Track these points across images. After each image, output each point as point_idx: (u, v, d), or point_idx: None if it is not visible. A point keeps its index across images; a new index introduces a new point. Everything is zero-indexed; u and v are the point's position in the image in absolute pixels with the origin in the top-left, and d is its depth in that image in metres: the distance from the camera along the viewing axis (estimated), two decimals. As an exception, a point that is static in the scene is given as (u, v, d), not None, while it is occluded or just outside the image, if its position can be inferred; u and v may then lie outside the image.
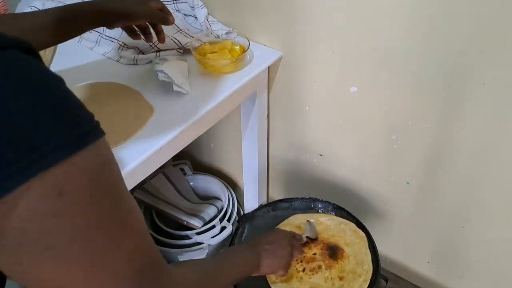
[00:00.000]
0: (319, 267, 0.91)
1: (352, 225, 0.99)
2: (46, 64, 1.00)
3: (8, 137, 0.31)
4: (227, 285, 0.70)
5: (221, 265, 0.69)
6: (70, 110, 0.34)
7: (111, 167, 0.38)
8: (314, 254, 0.93)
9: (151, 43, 1.00)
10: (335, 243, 0.95)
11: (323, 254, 0.93)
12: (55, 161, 0.32)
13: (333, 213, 1.05)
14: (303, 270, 0.91)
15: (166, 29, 1.04)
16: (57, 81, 0.35)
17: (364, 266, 0.93)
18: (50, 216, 0.33)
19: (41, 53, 1.00)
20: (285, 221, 1.03)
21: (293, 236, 0.91)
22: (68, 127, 0.33)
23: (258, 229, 1.02)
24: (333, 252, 0.93)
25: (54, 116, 0.33)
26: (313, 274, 0.90)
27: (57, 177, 0.33)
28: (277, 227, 1.02)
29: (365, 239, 0.96)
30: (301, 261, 0.92)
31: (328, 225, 1.00)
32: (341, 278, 0.90)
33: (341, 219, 1.01)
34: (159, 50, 1.02)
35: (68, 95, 0.35)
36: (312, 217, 1.02)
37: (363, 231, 1.00)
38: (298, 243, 0.91)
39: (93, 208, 0.35)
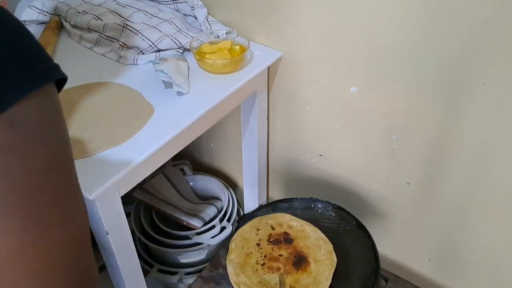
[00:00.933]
0: (278, 268, 0.92)
1: (330, 246, 0.97)
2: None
3: None
4: None
5: None
6: (30, 50, 0.34)
7: (60, 114, 0.36)
8: (280, 255, 0.94)
9: (151, 43, 1.00)
10: (305, 255, 0.95)
11: (289, 259, 0.94)
12: (11, 100, 0.31)
13: (333, 213, 1.05)
14: (263, 264, 0.92)
15: (166, 29, 1.05)
16: (18, 24, 0.35)
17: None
18: (2, 150, 0.31)
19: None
20: (272, 215, 1.04)
21: None
22: (26, 65, 0.33)
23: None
24: (299, 261, 0.94)
25: (12, 54, 0.32)
26: (269, 272, 0.91)
27: (10, 112, 0.31)
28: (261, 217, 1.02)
29: (334, 265, 0.94)
30: (265, 256, 0.93)
31: (308, 235, 1.00)
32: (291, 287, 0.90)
33: (323, 236, 0.99)
34: (159, 50, 1.02)
35: (29, 36, 0.35)
36: (300, 221, 1.02)
37: (363, 231, 1.00)
38: None
39: (47, 145, 0.34)
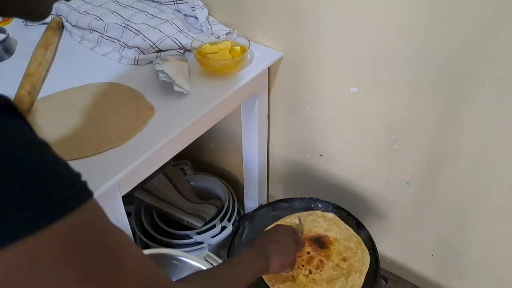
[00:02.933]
0: (320, 261, 0.93)
1: (319, 212, 1.03)
2: (47, 64, 1.01)
3: None
4: None
5: (229, 274, 0.68)
6: (45, 178, 0.33)
7: (93, 227, 0.36)
8: (308, 253, 0.95)
9: (152, 44, 1.01)
10: (316, 234, 0.98)
11: (314, 248, 0.95)
12: (26, 233, 0.31)
13: (333, 213, 1.05)
14: (310, 272, 0.92)
15: (167, 29, 1.05)
16: (36, 145, 0.34)
17: (353, 239, 0.96)
18: (21, 284, 0.32)
19: (42, 53, 1.01)
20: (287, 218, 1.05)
21: (293, 230, 0.91)
22: (42, 197, 0.32)
23: (258, 229, 1.02)
24: (320, 242, 0.96)
25: (24, 188, 0.31)
26: (320, 270, 0.92)
27: (29, 246, 0.31)
28: (278, 223, 1.02)
29: (337, 219, 1.01)
30: (303, 266, 0.93)
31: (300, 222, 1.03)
32: (344, 259, 0.93)
33: (312, 212, 1.04)
34: (159, 51, 1.02)
35: (49, 161, 0.34)
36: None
37: (363, 231, 1.01)
38: (299, 237, 0.92)
39: (72, 273, 0.34)
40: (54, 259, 0.33)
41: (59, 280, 0.33)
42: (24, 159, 0.32)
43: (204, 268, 0.90)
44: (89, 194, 0.36)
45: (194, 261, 0.92)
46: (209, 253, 0.94)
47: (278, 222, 1.03)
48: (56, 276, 0.33)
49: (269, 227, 1.00)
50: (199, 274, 0.69)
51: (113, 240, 0.38)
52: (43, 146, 0.34)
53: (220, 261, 0.94)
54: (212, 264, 0.91)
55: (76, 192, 0.35)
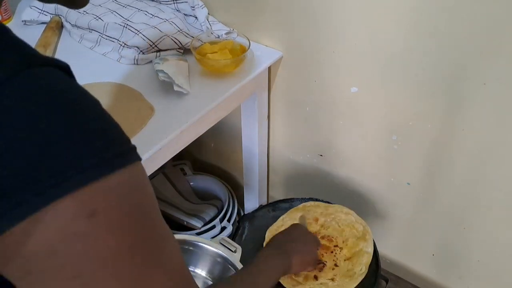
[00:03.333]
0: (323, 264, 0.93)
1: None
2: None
3: (40, 154, 0.30)
4: None
5: (255, 278, 0.67)
6: (105, 131, 0.34)
7: (145, 193, 0.36)
8: (322, 255, 0.95)
9: (151, 43, 1.01)
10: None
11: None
12: (87, 181, 0.31)
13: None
14: (315, 277, 0.91)
15: (166, 29, 1.05)
16: (93, 101, 0.35)
17: (356, 226, 0.98)
18: (79, 237, 0.32)
19: (41, 52, 1.00)
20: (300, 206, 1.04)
21: (307, 229, 0.93)
22: (102, 147, 0.33)
23: (258, 229, 1.02)
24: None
25: (87, 136, 0.32)
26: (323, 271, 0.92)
27: (89, 197, 0.32)
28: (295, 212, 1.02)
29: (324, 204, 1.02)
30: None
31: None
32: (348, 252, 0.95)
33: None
34: (159, 50, 1.02)
35: (103, 116, 0.35)
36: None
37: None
38: (315, 236, 0.93)
39: (125, 233, 0.34)
40: (111, 215, 0.33)
41: (113, 238, 0.33)
42: (84, 110, 0.33)
43: (220, 252, 0.92)
44: (139, 157, 0.36)
45: (209, 245, 0.93)
46: (224, 237, 0.95)
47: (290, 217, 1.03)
48: (111, 234, 0.33)
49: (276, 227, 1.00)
50: (222, 282, 0.69)
51: (161, 220, 0.38)
52: (98, 103, 0.36)
53: (235, 245, 0.94)
54: (227, 248, 0.92)
55: (129, 150, 0.35)
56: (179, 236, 0.96)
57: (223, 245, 0.94)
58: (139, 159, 0.36)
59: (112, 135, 0.34)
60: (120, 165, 0.33)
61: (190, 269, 0.93)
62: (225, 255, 0.91)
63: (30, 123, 0.31)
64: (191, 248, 0.94)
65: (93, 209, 0.32)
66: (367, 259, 0.92)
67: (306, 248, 0.83)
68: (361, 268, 0.90)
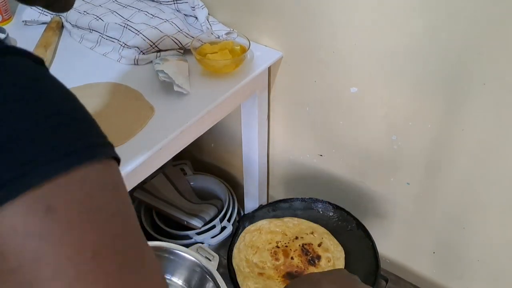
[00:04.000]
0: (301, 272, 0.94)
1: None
2: (47, 64, 1.00)
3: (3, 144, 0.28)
4: None
5: None
6: (74, 121, 0.31)
7: (117, 195, 0.32)
8: (292, 258, 0.96)
9: (151, 44, 1.01)
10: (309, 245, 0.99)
11: (303, 261, 0.96)
12: (48, 176, 0.28)
13: (333, 213, 1.05)
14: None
15: (166, 29, 1.05)
16: (66, 93, 0.32)
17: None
18: (33, 238, 0.28)
19: (42, 53, 1.01)
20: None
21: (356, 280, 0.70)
22: (67, 139, 0.30)
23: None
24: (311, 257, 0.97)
25: (52, 126, 0.29)
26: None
27: (46, 192, 0.28)
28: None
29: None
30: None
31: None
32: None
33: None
34: (159, 50, 1.02)
35: (75, 107, 0.32)
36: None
37: (363, 231, 1.01)
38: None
39: (85, 236, 0.29)
40: (69, 212, 0.29)
41: (71, 242, 0.28)
42: (53, 100, 0.31)
43: (197, 260, 0.88)
44: (118, 156, 0.33)
45: (186, 253, 0.89)
46: (201, 245, 0.93)
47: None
48: (68, 236, 0.28)
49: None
50: None
51: (135, 220, 0.33)
52: (72, 95, 0.33)
53: (212, 253, 0.91)
54: (205, 257, 0.89)
55: (106, 144, 0.32)
56: (156, 243, 0.92)
57: (200, 253, 0.91)
58: (115, 157, 0.33)
59: (82, 127, 0.31)
60: (86, 159, 0.30)
61: (166, 277, 0.91)
62: (203, 264, 0.89)
63: None
64: (167, 255, 0.90)
65: (49, 205, 0.28)
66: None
67: None
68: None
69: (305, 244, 0.97)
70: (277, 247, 0.97)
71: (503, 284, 1.06)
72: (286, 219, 1.04)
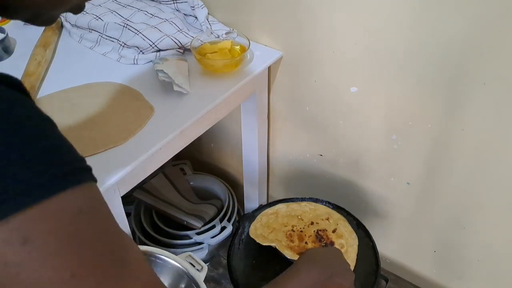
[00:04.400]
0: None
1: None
2: (46, 64, 1.00)
3: None
4: None
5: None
6: (48, 152, 0.31)
7: (95, 217, 0.34)
8: (306, 243, 0.97)
9: (151, 43, 1.00)
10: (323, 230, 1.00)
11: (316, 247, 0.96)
12: (20, 207, 0.29)
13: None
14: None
15: (166, 29, 1.05)
16: (41, 121, 0.33)
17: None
18: (12, 267, 0.29)
19: (41, 52, 1.00)
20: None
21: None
22: (41, 169, 0.30)
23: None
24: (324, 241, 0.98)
25: (26, 157, 0.30)
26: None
27: (22, 223, 0.29)
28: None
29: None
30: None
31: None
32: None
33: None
34: (159, 50, 1.02)
35: (49, 136, 0.32)
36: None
37: (363, 231, 1.00)
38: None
39: (63, 260, 0.31)
40: (46, 242, 0.30)
41: (50, 267, 0.30)
42: (25, 128, 0.31)
43: (185, 269, 0.86)
44: (92, 178, 0.34)
45: (174, 260, 0.88)
46: (191, 253, 0.91)
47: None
48: (48, 262, 0.30)
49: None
50: None
51: (116, 235, 0.35)
52: (49, 121, 0.34)
53: (201, 263, 0.89)
54: (192, 265, 0.88)
55: (83, 169, 0.33)
56: (143, 248, 0.91)
57: (188, 262, 0.89)
58: (92, 179, 0.34)
59: (55, 156, 0.32)
60: (60, 188, 0.31)
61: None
62: (190, 273, 0.86)
63: None
64: (153, 259, 0.89)
65: (25, 236, 0.29)
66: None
67: (346, 277, 0.70)
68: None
69: (320, 230, 0.99)
70: (293, 230, 0.99)
71: (503, 284, 1.06)
72: (303, 203, 1.05)
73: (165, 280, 0.90)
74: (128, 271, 0.35)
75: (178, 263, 0.87)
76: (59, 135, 0.33)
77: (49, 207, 0.30)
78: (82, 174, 0.33)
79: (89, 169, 0.34)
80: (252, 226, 1.00)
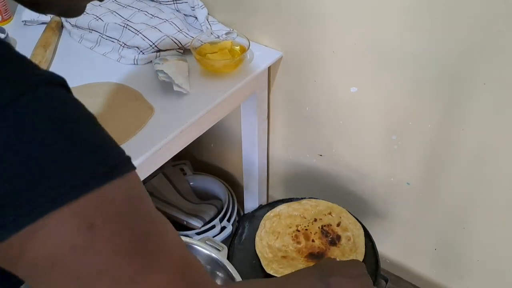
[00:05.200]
0: (322, 254, 0.95)
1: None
2: (46, 64, 1.00)
3: (39, 170, 0.32)
4: None
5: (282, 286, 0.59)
6: (99, 146, 0.36)
7: (142, 201, 0.38)
8: (313, 241, 0.96)
9: (151, 43, 1.01)
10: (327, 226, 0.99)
11: (324, 242, 0.96)
12: (83, 193, 0.33)
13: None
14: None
15: (166, 29, 1.05)
16: (88, 116, 0.37)
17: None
18: (78, 250, 0.33)
19: (41, 53, 1.00)
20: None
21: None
22: (97, 161, 0.34)
23: (258, 229, 1.02)
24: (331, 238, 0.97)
25: (83, 151, 0.34)
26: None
27: (86, 209, 0.33)
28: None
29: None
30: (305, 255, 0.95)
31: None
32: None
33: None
34: (159, 50, 1.02)
35: (98, 131, 0.37)
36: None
37: (363, 231, 1.00)
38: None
39: (124, 242, 0.35)
40: (107, 227, 0.34)
41: (111, 250, 0.34)
42: (79, 125, 0.35)
43: (210, 253, 0.92)
44: (134, 166, 0.38)
45: (200, 247, 0.93)
46: (209, 236, 0.96)
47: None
48: (109, 245, 0.34)
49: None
50: (246, 281, 0.65)
51: (156, 216, 0.39)
52: (93, 117, 0.38)
53: (221, 245, 0.94)
54: (214, 248, 0.93)
55: (124, 160, 0.37)
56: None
57: (209, 244, 0.94)
58: (134, 168, 0.38)
59: (106, 149, 0.36)
60: (114, 177, 0.35)
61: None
62: (213, 255, 0.91)
63: (30, 141, 0.32)
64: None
65: (91, 221, 0.33)
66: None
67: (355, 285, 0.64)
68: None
69: (324, 226, 0.98)
70: (298, 230, 0.99)
71: (503, 284, 1.06)
72: (303, 201, 1.05)
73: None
74: (168, 245, 0.39)
75: (203, 248, 0.93)
76: (103, 130, 0.38)
77: (108, 193, 0.34)
78: (129, 163, 0.38)
79: (130, 159, 0.38)
80: (257, 238, 0.99)
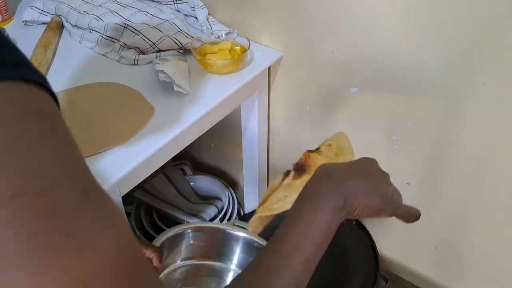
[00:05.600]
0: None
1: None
2: (47, 64, 1.00)
3: None
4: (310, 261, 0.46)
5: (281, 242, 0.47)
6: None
7: (43, 122, 0.29)
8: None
9: (151, 44, 1.01)
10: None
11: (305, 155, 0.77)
12: None
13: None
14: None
15: (166, 29, 1.05)
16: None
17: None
18: None
19: (42, 53, 1.01)
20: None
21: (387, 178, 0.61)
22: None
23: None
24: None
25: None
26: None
27: None
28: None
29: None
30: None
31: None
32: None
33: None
34: (159, 50, 1.02)
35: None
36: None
37: (363, 231, 1.01)
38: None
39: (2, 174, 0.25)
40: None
41: None
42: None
43: (235, 232, 0.98)
44: (47, 86, 0.30)
45: (231, 229, 0.97)
46: (234, 220, 0.98)
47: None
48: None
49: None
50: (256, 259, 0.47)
51: (73, 153, 0.33)
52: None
53: (246, 226, 0.90)
54: (242, 228, 0.98)
55: (32, 70, 0.30)
56: (209, 224, 1.03)
57: (237, 225, 0.98)
58: (45, 87, 0.29)
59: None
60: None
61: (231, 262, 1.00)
62: (243, 235, 0.97)
63: None
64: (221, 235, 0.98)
65: None
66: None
67: (376, 187, 0.55)
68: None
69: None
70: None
71: (503, 284, 1.06)
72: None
73: (237, 247, 1.01)
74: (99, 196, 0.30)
75: (232, 230, 0.98)
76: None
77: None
78: (35, 74, 0.28)
79: (41, 75, 0.29)
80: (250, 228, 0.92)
